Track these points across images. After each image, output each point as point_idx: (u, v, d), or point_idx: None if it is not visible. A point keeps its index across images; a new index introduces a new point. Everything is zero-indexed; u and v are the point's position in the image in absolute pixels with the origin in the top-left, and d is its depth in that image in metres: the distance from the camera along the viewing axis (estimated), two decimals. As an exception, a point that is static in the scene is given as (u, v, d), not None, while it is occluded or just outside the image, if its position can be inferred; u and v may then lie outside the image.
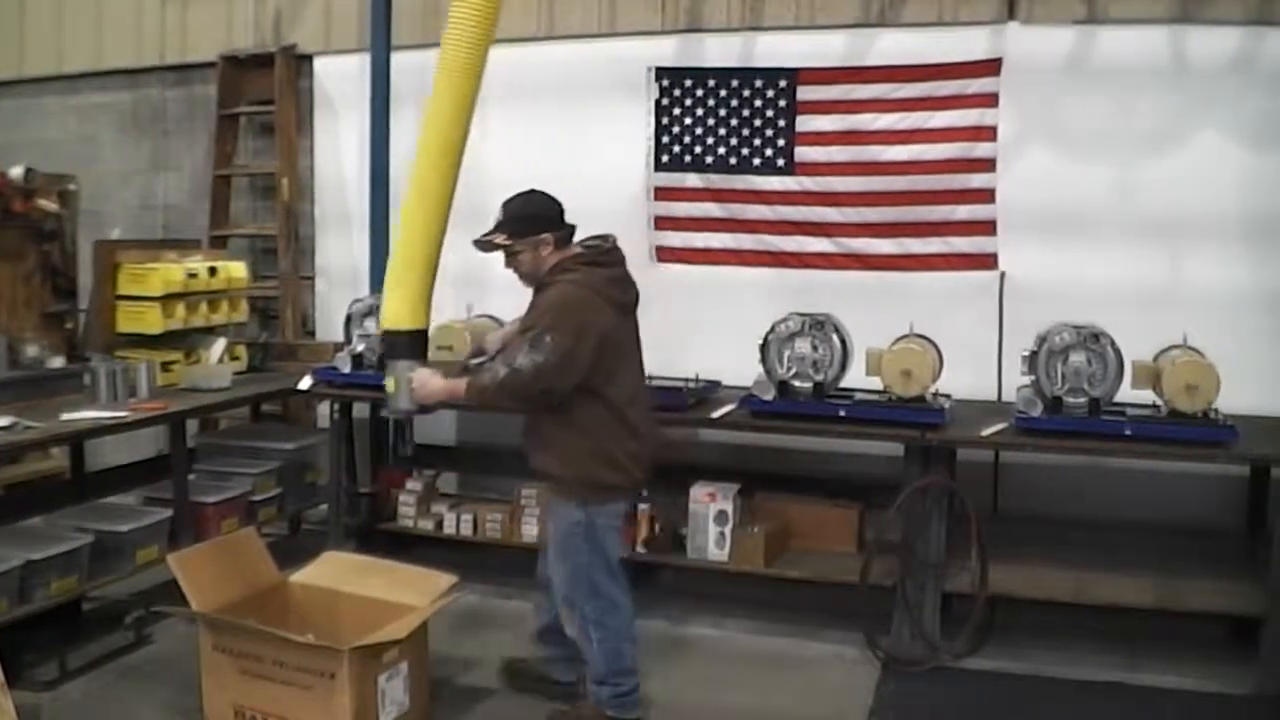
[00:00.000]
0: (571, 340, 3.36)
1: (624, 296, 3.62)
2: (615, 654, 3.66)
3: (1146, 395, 4.31)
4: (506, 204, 3.56)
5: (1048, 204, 4.89)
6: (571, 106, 5.65)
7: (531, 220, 3.50)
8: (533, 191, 3.60)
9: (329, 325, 5.93)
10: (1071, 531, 4.72)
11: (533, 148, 5.68)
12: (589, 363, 3.41)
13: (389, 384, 3.63)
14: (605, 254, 3.58)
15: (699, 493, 4.83)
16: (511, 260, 3.57)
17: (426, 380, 3.63)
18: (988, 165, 4.92)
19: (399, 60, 5.67)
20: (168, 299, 5.11)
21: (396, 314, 3.64)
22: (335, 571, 4.00)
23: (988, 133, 4.91)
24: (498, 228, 3.53)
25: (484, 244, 3.58)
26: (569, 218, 3.66)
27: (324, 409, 5.51)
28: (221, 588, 3.69)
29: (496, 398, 3.43)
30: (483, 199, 6.06)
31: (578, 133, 5.64)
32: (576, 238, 3.65)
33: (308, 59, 6.25)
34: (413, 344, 3.64)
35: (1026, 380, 4.32)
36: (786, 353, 4.56)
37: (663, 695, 4.08)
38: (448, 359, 4.65)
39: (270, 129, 6.41)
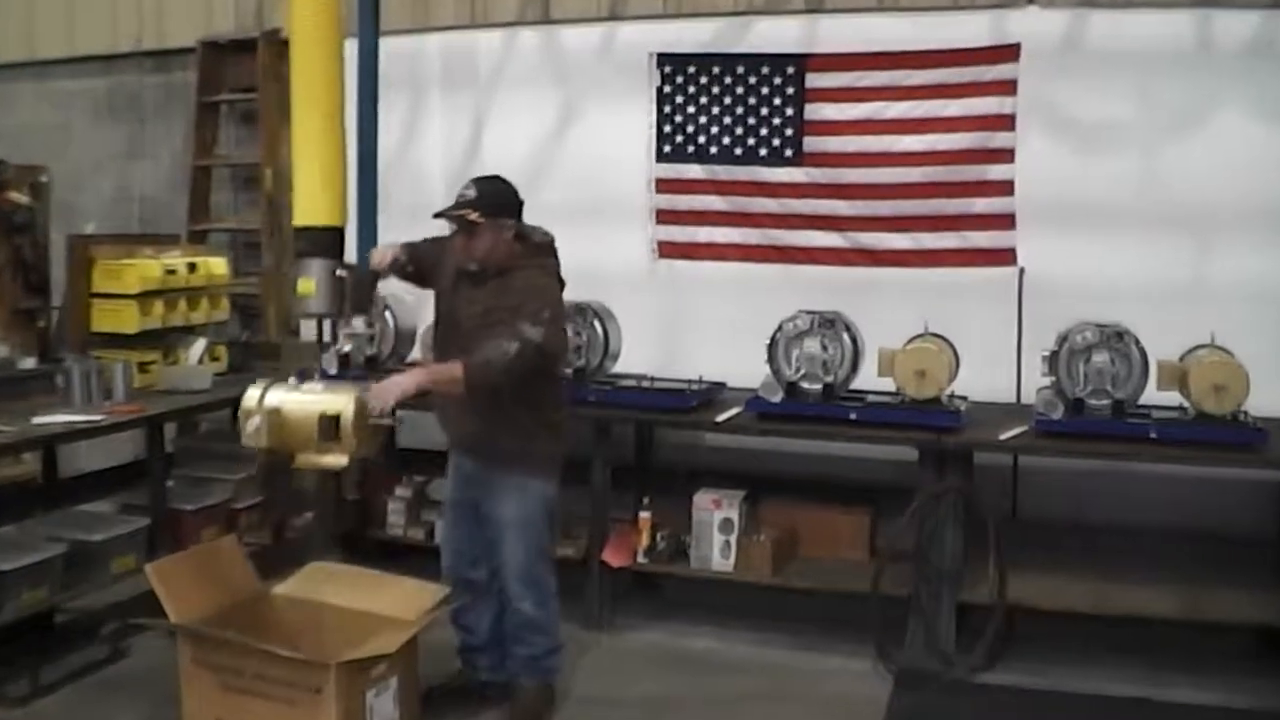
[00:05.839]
0: (563, 320, 3.75)
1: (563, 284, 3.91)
2: (558, 618, 3.98)
3: (1173, 397, 4.32)
4: (478, 182, 3.71)
5: (1069, 196, 4.88)
6: (570, 94, 5.65)
7: (503, 204, 3.68)
8: (500, 177, 3.78)
9: (314, 323, 5.87)
10: (1093, 539, 4.72)
11: (529, 138, 5.68)
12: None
13: (303, 285, 3.47)
14: (553, 244, 3.83)
15: (703, 500, 4.83)
16: (469, 239, 3.68)
17: (387, 386, 3.60)
18: (1006, 156, 4.92)
19: (388, 46, 5.65)
20: (144, 296, 5.09)
21: (310, 208, 3.48)
22: (321, 582, 3.97)
23: (1006, 121, 4.90)
24: (470, 204, 3.64)
25: (453, 216, 3.68)
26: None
27: (309, 411, 5.48)
28: (201, 599, 3.67)
29: (505, 372, 3.52)
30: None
31: (576, 122, 5.64)
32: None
33: (291, 44, 6.26)
34: (332, 243, 3.51)
35: (1047, 381, 4.32)
36: (795, 353, 4.57)
37: (665, 711, 4.10)
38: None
39: (252, 117, 6.39)
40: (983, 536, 4.32)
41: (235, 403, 5.42)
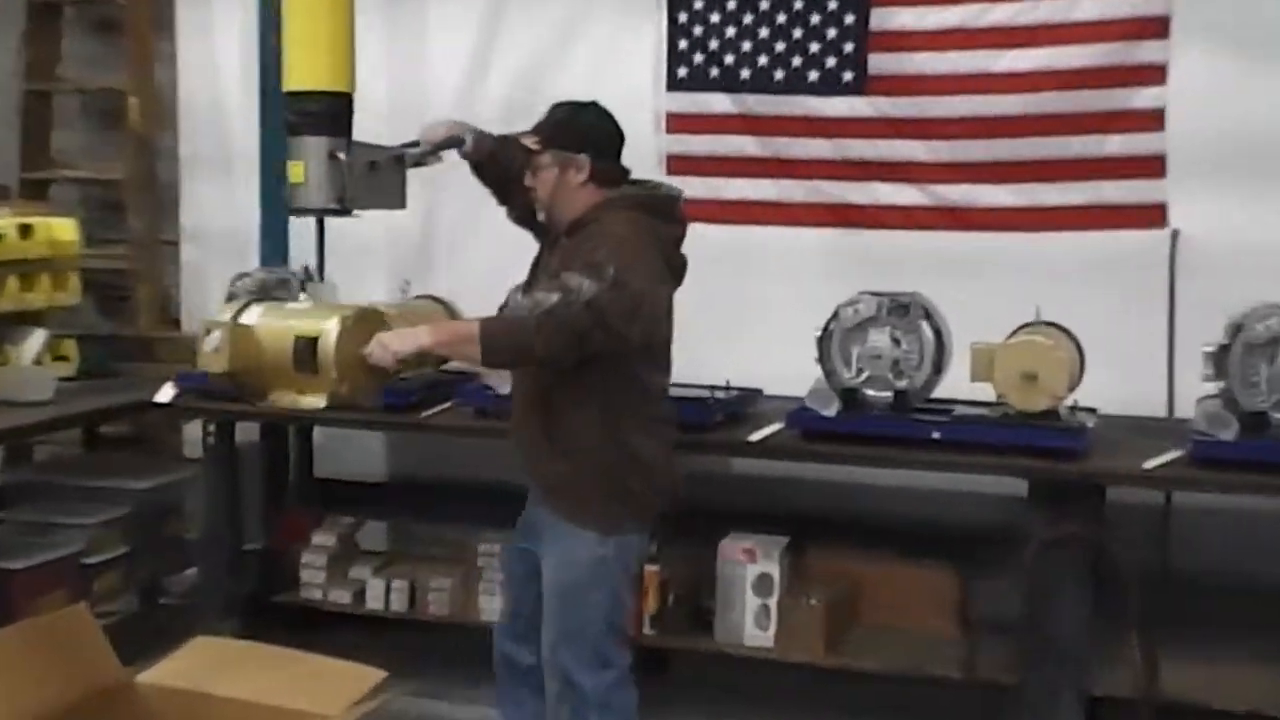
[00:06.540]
0: (642, 280, 3.51)
1: (680, 264, 3.84)
2: None
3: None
4: (555, 107, 3.80)
5: (1243, 132, 4.76)
6: (554, 3, 5.66)
7: (573, 133, 3.69)
8: (594, 105, 3.82)
9: (200, 311, 5.84)
10: (1277, 610, 4.62)
11: (503, 60, 5.72)
12: (657, 319, 3.62)
13: (293, 171, 3.59)
14: (665, 203, 3.78)
15: (732, 548, 4.82)
16: (532, 175, 3.73)
17: (396, 335, 3.56)
18: (1155, 74, 4.83)
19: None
20: (-44, 272, 5.15)
21: (302, 68, 3.70)
22: (208, 665, 3.79)
23: (1155, 26, 4.81)
24: (535, 129, 3.73)
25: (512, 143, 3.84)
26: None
27: (194, 431, 5.48)
28: (35, 691, 3.46)
29: (537, 333, 3.40)
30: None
31: (559, 38, 5.65)
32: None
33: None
34: (332, 115, 3.68)
35: (1211, 388, 4.22)
36: (855, 349, 4.51)
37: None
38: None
39: (113, 26, 6.41)
40: (1120, 603, 4.27)
41: (88, 419, 5.40)
